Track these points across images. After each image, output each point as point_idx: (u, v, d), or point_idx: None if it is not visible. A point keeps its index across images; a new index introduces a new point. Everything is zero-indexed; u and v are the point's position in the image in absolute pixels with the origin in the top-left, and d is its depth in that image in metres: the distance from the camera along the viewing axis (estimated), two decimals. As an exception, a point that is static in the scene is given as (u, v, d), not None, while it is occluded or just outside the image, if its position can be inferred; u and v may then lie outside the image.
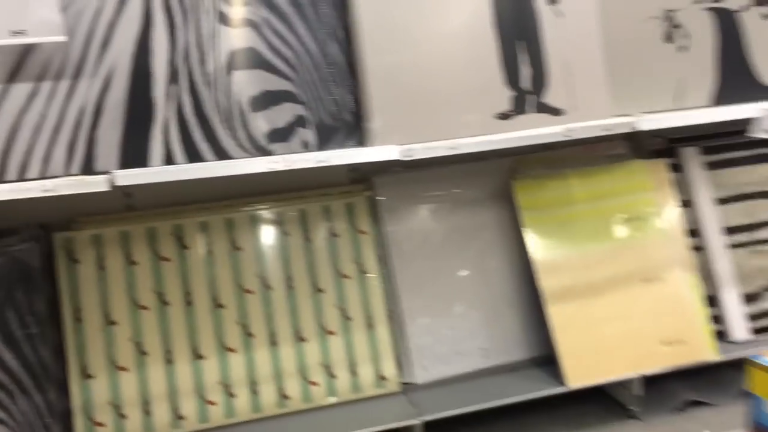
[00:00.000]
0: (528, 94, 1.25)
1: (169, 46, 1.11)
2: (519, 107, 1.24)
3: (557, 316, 1.32)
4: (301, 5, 1.15)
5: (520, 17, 1.24)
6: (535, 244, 1.36)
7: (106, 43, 1.09)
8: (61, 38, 1.03)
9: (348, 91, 1.19)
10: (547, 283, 1.33)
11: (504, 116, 1.23)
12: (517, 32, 1.24)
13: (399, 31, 1.17)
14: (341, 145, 1.19)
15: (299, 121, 1.16)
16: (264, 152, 1.15)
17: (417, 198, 1.43)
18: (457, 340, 1.39)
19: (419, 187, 1.43)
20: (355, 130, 1.20)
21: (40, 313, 1.19)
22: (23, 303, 1.18)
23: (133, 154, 1.11)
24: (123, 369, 1.25)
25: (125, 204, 1.34)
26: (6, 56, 1.05)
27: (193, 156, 1.12)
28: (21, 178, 1.08)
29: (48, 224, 1.28)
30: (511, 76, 1.23)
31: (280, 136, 1.16)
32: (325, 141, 1.18)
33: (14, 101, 1.06)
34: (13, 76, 1.06)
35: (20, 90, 1.06)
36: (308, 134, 1.17)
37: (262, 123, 1.15)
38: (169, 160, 1.12)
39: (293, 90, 1.16)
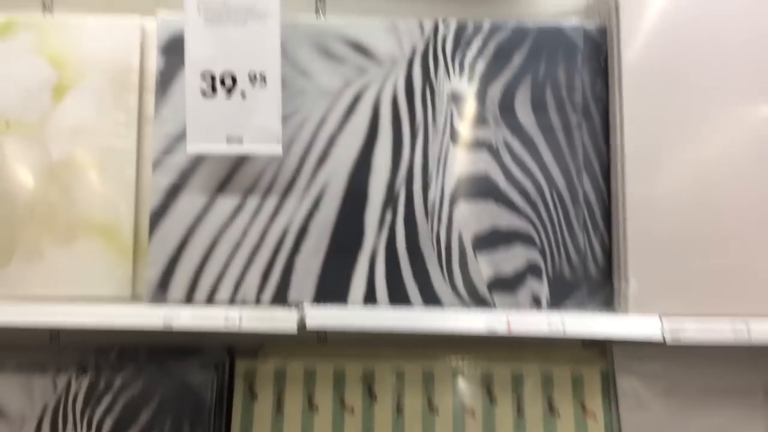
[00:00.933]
0: None
1: (390, 166, 0.95)
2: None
3: None
4: (551, 129, 0.95)
5: None
6: None
7: (323, 159, 0.96)
8: (278, 150, 0.92)
9: (597, 239, 0.94)
10: None
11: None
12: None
13: (675, 167, 0.91)
14: (581, 307, 0.93)
15: (532, 270, 0.93)
16: (483, 303, 0.92)
17: (669, 381, 1.10)
18: None
19: (674, 368, 1.10)
20: (600, 290, 0.93)
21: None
22: (190, 437, 1.03)
23: (332, 286, 0.94)
24: None
25: (317, 334, 1.18)
26: (218, 165, 0.96)
27: (399, 297, 0.93)
28: (209, 301, 0.95)
29: (236, 347, 1.15)
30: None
31: (506, 286, 0.93)
32: (560, 299, 0.93)
33: (217, 215, 0.96)
34: (222, 187, 0.96)
35: (226, 203, 0.96)
36: (541, 288, 0.93)
37: (485, 267, 0.93)
38: (370, 297, 0.94)
39: (529, 230, 0.93)
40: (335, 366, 1.12)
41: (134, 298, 0.99)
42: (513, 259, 0.93)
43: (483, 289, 0.93)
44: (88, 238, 0.99)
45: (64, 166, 0.99)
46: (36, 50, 1.00)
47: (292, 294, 0.95)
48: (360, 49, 0.96)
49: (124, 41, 1.01)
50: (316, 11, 1.11)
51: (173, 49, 0.95)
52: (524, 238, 0.93)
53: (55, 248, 0.98)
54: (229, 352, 1.13)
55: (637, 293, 0.89)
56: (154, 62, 0.99)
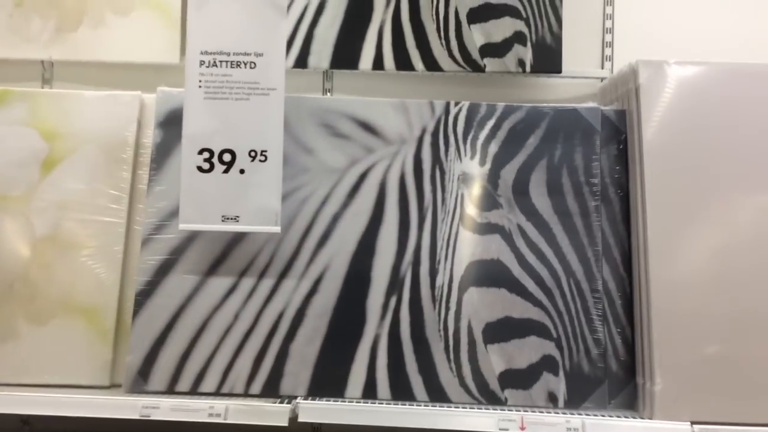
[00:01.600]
0: None
1: (396, 248, 0.90)
2: None
3: None
4: (568, 213, 0.90)
5: None
6: None
7: (324, 239, 0.90)
8: (276, 228, 0.86)
9: (618, 330, 0.87)
10: None
11: None
12: None
13: (700, 251, 0.85)
14: (600, 406, 0.85)
15: (548, 364, 0.86)
16: (494, 400, 0.84)
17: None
18: None
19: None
20: (622, 387, 0.86)
21: None
22: None
23: (329, 377, 0.87)
24: None
25: (311, 425, 1.08)
26: (212, 243, 0.90)
27: (402, 391, 0.85)
28: (193, 390, 0.87)
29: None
30: None
31: (520, 381, 0.85)
32: (579, 397, 0.85)
33: (208, 296, 0.90)
34: (214, 267, 0.90)
35: (218, 284, 0.90)
36: (558, 384, 0.85)
37: (497, 360, 0.86)
38: (370, 390, 0.86)
39: (545, 321, 0.87)
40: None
41: (113, 385, 0.91)
42: (527, 351, 0.86)
43: (494, 383, 0.86)
44: (68, 319, 0.92)
45: (48, 241, 0.93)
46: (29, 122, 0.96)
47: (285, 385, 0.87)
48: (367, 127, 0.93)
49: (121, 115, 0.98)
50: (323, 90, 1.08)
51: (171, 123, 0.92)
52: (539, 329, 0.87)
53: (31, 329, 0.91)
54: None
55: (665, 393, 0.81)
56: (150, 137, 0.95)
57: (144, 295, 0.89)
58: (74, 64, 1.08)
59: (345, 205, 0.91)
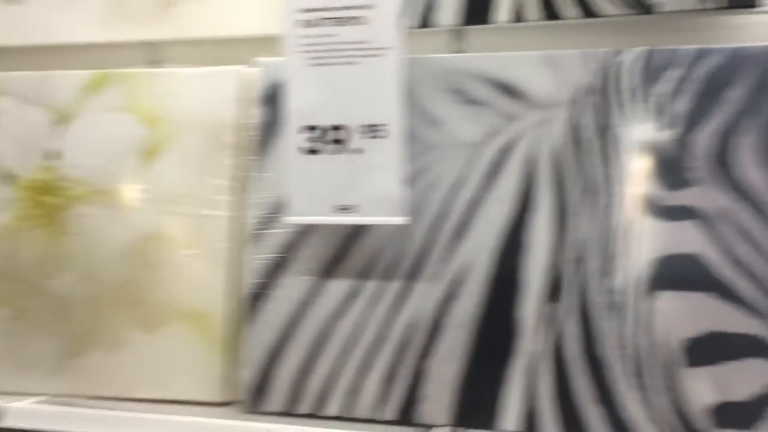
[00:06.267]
0: None
1: (553, 242, 0.71)
2: None
3: None
4: (796, 190, 0.67)
5: None
6: None
7: (461, 232, 0.74)
8: (400, 220, 0.72)
9: None
10: None
11: None
12: None
13: None
14: None
15: (773, 395, 0.64)
16: (699, 445, 0.65)
17: None
18: None
19: None
20: None
21: None
22: None
23: (476, 405, 0.72)
24: None
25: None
26: (325, 239, 0.77)
27: (572, 424, 0.69)
28: (316, 413, 0.75)
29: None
30: None
31: (739, 418, 0.65)
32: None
33: (327, 302, 0.77)
34: (330, 268, 0.76)
35: (337, 288, 0.76)
36: (791, 423, 0.64)
37: (703, 388, 0.66)
38: (530, 422, 0.69)
39: (767, 336, 0.65)
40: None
41: (224, 403, 0.80)
42: (746, 378, 0.65)
43: (700, 420, 0.66)
44: (175, 326, 0.83)
45: (151, 239, 0.85)
46: (126, 107, 0.87)
47: (422, 411, 0.72)
48: (508, 89, 0.75)
49: (220, 93, 0.86)
50: (450, 48, 0.90)
51: (276, 100, 0.78)
52: (760, 348, 0.65)
53: (138, 337, 0.83)
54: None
55: None
56: (254, 117, 0.82)
57: (255, 300, 0.78)
58: (177, 43, 0.99)
59: (484, 188, 0.74)
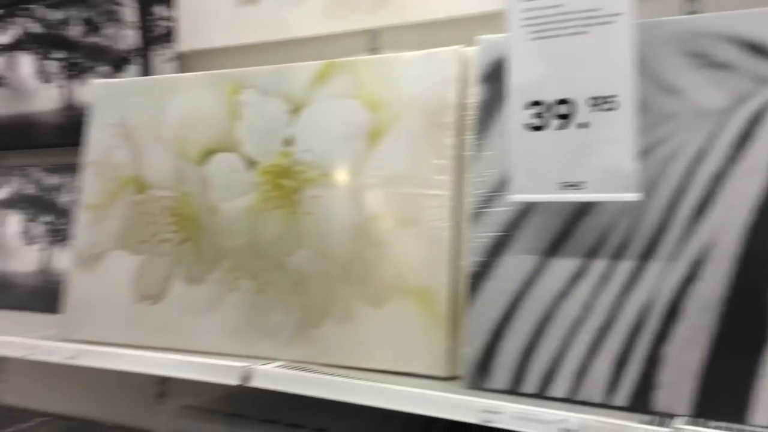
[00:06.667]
0: None
1: (818, 219, 0.62)
2: None
3: None
4: None
5: None
6: None
7: (703, 207, 0.68)
8: (634, 196, 0.67)
9: None
10: None
11: None
12: None
13: None
14: None
15: None
16: None
17: None
18: None
19: None
20: None
21: None
22: None
23: (722, 395, 0.65)
24: None
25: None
26: (552, 217, 0.74)
27: None
28: (541, 394, 0.73)
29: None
30: None
31: None
32: None
33: (551, 281, 0.74)
34: (557, 246, 0.74)
35: (562, 267, 0.74)
36: None
37: None
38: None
39: None
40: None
41: (449, 377, 0.81)
42: None
43: None
44: (401, 301, 0.85)
45: (377, 218, 0.88)
46: (352, 93, 0.91)
47: (659, 398, 0.68)
48: (758, 49, 0.67)
49: (440, 74, 0.87)
50: (685, 9, 0.82)
51: (497, 76, 0.77)
52: None
53: (367, 311, 0.86)
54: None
55: None
56: (474, 96, 0.82)
57: (478, 278, 0.78)
58: (396, 28, 1.02)
59: (731, 159, 0.67)
